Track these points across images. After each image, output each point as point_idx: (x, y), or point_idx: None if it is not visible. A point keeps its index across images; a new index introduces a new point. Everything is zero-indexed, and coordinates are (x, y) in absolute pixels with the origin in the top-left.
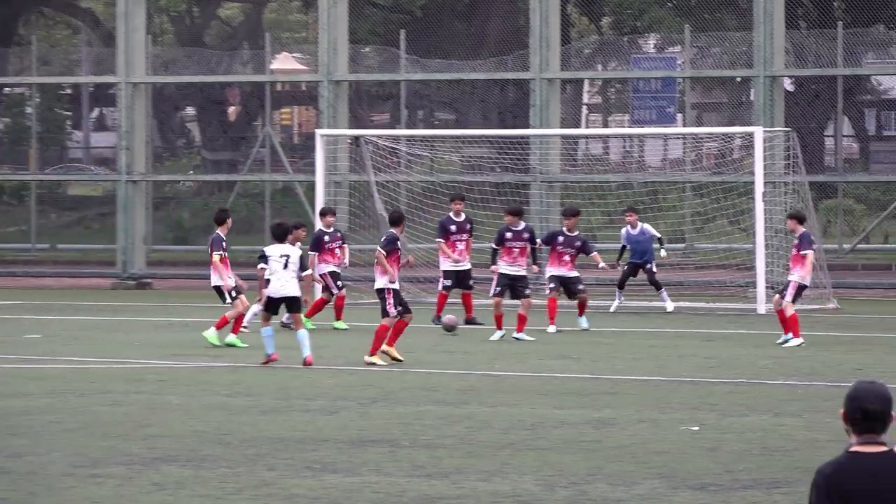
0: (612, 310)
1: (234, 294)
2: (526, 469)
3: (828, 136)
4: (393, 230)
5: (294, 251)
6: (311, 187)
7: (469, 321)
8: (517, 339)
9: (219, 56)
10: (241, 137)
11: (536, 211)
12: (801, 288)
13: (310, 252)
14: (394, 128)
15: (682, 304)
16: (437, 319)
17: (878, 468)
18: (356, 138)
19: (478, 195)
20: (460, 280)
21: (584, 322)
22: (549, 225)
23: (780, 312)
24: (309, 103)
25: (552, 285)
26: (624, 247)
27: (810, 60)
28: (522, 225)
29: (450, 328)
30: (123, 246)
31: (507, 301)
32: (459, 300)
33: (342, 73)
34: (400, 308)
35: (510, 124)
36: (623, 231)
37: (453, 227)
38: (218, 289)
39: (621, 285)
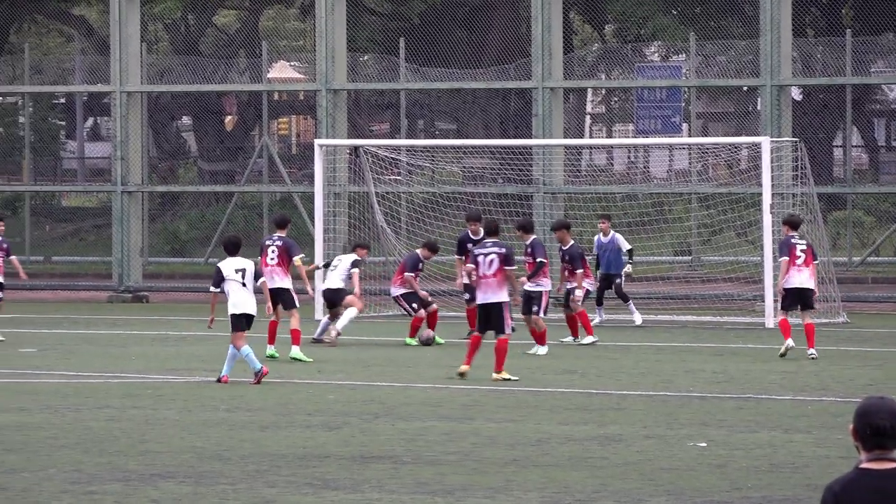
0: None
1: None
2: (531, 486)
3: (836, 147)
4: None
5: (249, 264)
6: (309, 198)
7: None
8: (534, 354)
9: (215, 64)
10: (238, 147)
11: (539, 223)
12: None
13: (407, 273)
14: (394, 138)
15: (689, 317)
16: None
17: (889, 485)
18: (355, 148)
19: (480, 206)
20: None
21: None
22: (552, 236)
23: (808, 326)
24: (307, 113)
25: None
26: (598, 256)
27: (818, 69)
28: (530, 239)
29: (426, 342)
30: (119, 258)
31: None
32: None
33: (340, 81)
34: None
35: (512, 134)
36: (595, 238)
37: (470, 245)
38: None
39: (599, 301)
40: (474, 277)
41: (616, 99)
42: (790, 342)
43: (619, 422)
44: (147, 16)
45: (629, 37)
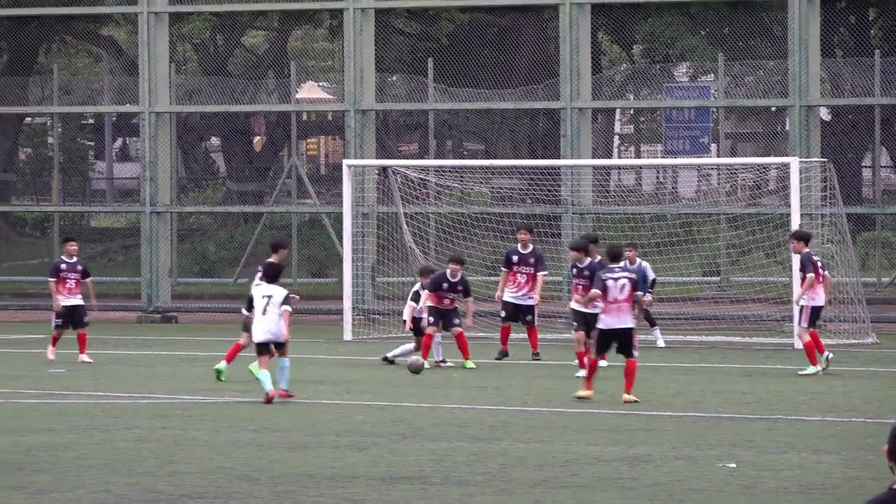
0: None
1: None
2: None
3: (865, 167)
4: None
5: (276, 291)
6: (338, 219)
7: (534, 356)
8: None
9: (244, 85)
10: (266, 168)
11: (568, 243)
12: (814, 311)
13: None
14: (422, 158)
15: (718, 338)
16: (502, 354)
17: None
18: (384, 169)
19: (508, 227)
20: (519, 313)
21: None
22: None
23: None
24: (336, 133)
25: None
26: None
27: (847, 89)
28: (587, 262)
29: (415, 370)
30: (148, 279)
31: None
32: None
33: (369, 102)
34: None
35: (541, 154)
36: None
37: (515, 258)
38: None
39: (652, 322)
40: (601, 304)
41: (644, 119)
42: (829, 353)
43: (648, 442)
44: (176, 36)
45: (657, 57)
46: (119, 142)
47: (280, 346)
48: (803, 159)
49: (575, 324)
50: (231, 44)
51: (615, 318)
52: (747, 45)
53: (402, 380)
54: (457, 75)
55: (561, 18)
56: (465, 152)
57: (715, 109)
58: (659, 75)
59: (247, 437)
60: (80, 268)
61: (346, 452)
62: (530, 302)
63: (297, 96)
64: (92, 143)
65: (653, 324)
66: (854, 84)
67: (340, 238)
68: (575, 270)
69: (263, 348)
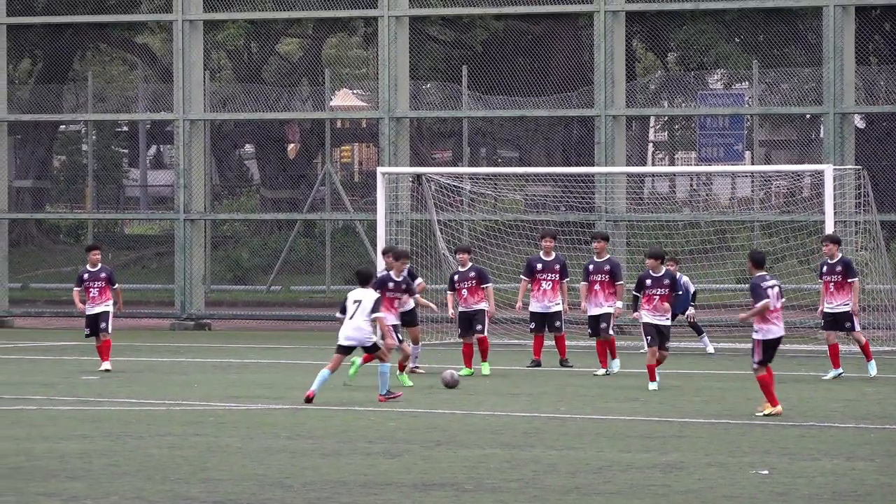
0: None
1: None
2: None
3: None
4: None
5: (367, 296)
6: (372, 226)
7: (562, 363)
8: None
9: (278, 92)
10: (300, 175)
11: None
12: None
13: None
14: (456, 165)
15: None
16: (534, 363)
17: None
18: (418, 176)
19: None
20: (547, 322)
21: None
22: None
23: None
24: (370, 140)
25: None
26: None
27: (882, 97)
28: (663, 271)
29: (449, 384)
30: (182, 286)
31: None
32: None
33: (403, 109)
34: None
35: (574, 162)
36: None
37: (539, 266)
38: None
39: (698, 330)
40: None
41: (678, 126)
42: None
43: (681, 449)
44: (210, 44)
45: (692, 64)
46: (153, 149)
47: (374, 351)
48: (837, 166)
49: (648, 338)
50: (265, 51)
51: (778, 327)
52: (782, 53)
53: (436, 386)
54: (491, 83)
55: (595, 26)
56: (500, 160)
57: (749, 117)
58: (693, 83)
59: (280, 444)
60: (103, 275)
61: (378, 459)
62: (556, 308)
63: (332, 104)
64: (126, 151)
65: (700, 332)
66: (889, 91)
67: (374, 245)
68: (649, 281)
69: (343, 350)
